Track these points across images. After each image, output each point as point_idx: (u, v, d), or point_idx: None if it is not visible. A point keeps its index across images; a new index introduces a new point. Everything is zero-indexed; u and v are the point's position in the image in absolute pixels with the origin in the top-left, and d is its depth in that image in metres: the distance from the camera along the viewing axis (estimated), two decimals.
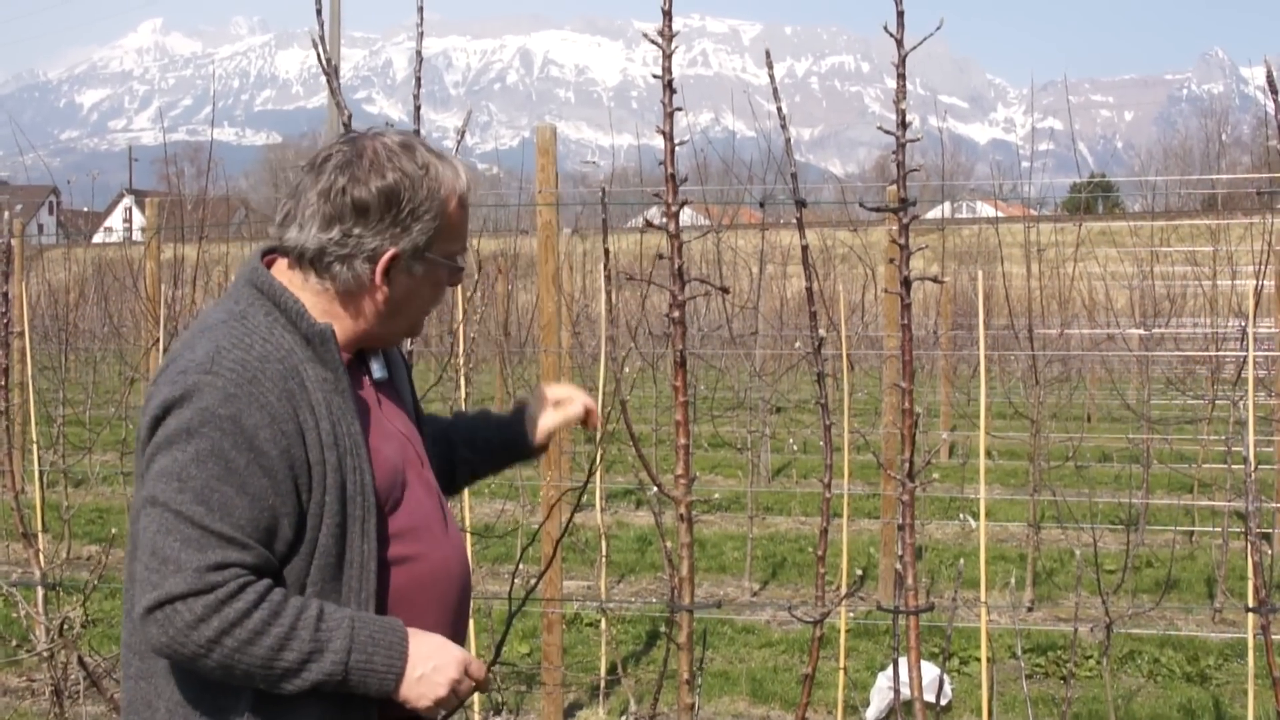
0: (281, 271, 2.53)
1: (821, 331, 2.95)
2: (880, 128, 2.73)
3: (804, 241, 3.02)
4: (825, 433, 2.99)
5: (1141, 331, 12.66)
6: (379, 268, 2.47)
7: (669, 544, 3.28)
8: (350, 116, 3.26)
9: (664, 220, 3.05)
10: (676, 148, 3.03)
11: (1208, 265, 12.40)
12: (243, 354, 2.36)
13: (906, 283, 2.85)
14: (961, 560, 5.78)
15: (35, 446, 7.40)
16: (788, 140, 2.96)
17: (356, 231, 2.45)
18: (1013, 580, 9.70)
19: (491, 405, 16.87)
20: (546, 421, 3.03)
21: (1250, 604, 5.16)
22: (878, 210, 2.90)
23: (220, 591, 2.25)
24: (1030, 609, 9.34)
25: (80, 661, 3.38)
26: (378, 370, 2.66)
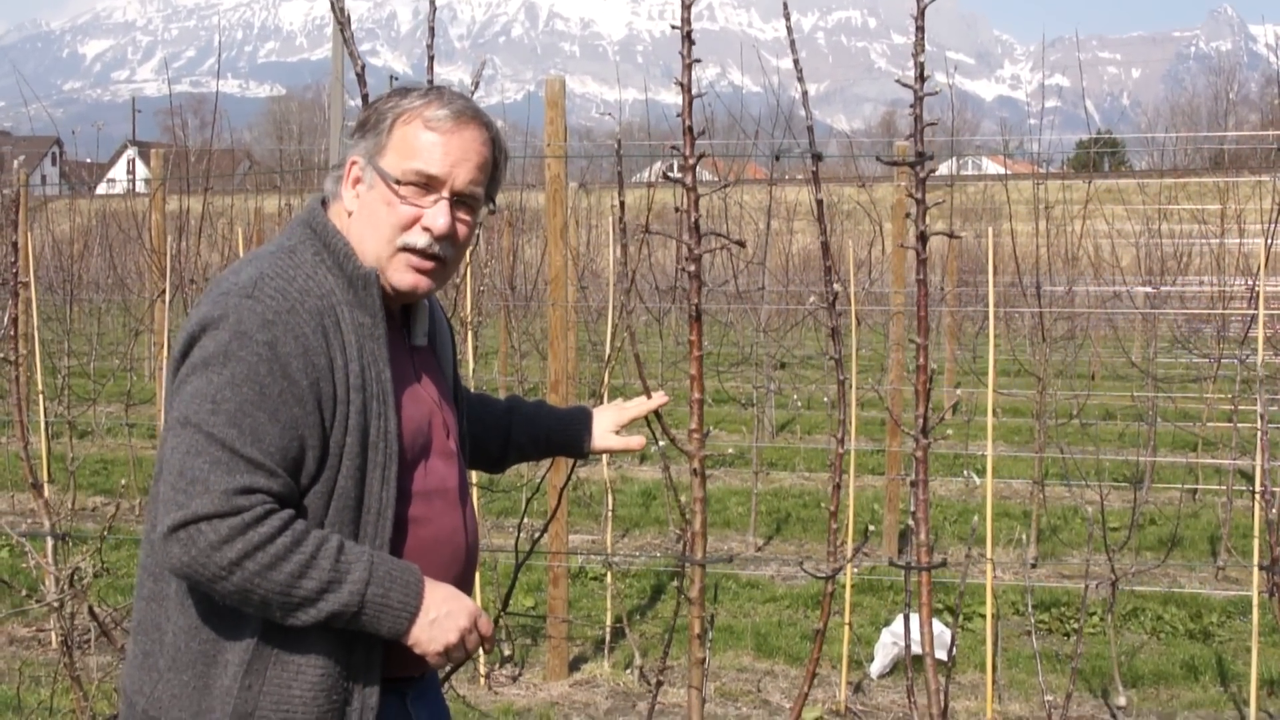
0: (334, 215, 2.58)
1: (836, 286, 2.94)
2: (900, 80, 2.70)
3: (819, 195, 3.00)
4: (840, 388, 2.98)
5: (1148, 289, 12.62)
6: (346, 172, 2.55)
7: (683, 498, 3.27)
8: (364, 67, 3.23)
9: (680, 173, 3.03)
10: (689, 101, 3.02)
11: (1215, 223, 12.35)
12: (284, 284, 2.39)
13: (923, 238, 2.83)
14: (976, 518, 5.78)
15: (40, 397, 7.40)
16: (804, 93, 2.93)
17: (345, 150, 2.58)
18: (1019, 537, 9.73)
19: (495, 359, 16.87)
20: (604, 441, 3.07)
21: (1259, 562, 5.17)
22: (893, 164, 2.87)
23: (246, 515, 2.25)
24: (1034, 566, 9.36)
25: (90, 612, 3.37)
26: (419, 337, 2.68)
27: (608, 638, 7.25)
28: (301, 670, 2.38)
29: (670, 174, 2.99)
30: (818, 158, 2.94)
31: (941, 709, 2.94)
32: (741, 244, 3.02)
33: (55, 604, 3.33)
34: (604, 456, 8.40)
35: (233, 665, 2.37)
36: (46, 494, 7.04)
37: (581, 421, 3.06)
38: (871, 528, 5.49)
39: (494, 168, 2.60)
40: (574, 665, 7.16)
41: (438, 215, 2.49)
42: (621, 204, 3.04)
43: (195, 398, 2.30)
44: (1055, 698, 6.58)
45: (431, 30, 3.26)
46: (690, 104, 2.99)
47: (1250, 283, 9.87)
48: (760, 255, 11.47)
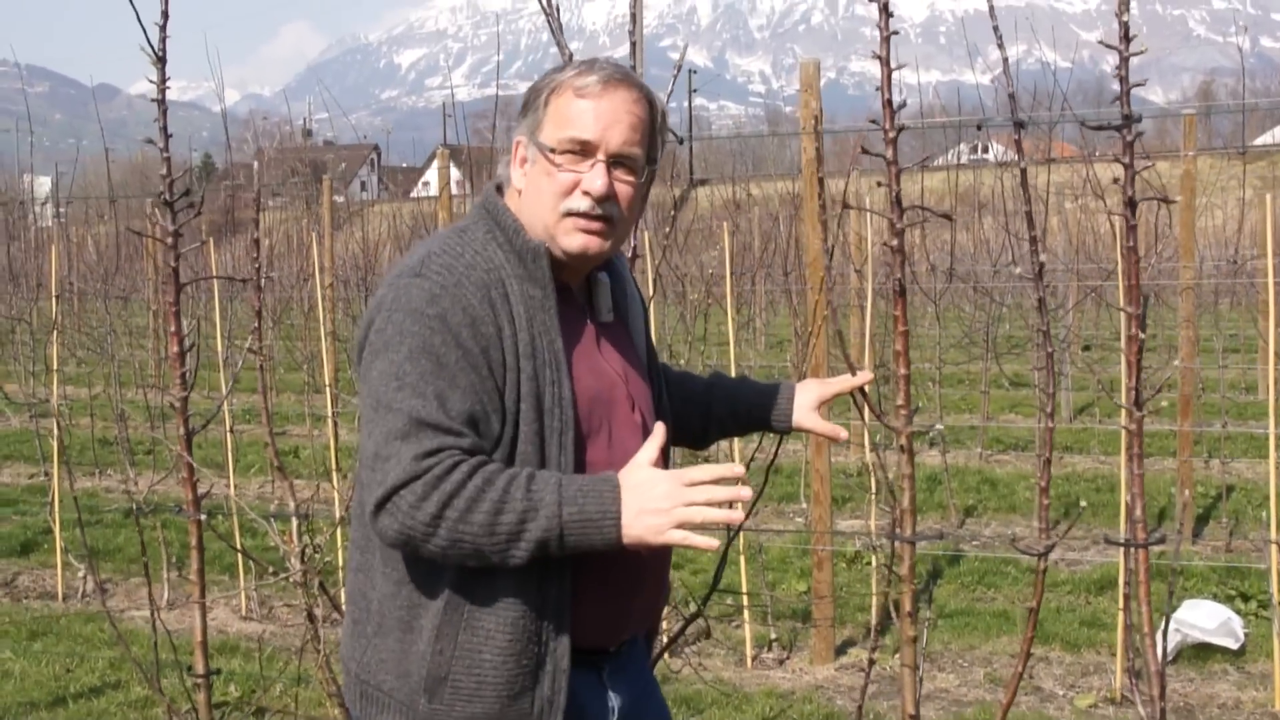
0: (508, 198, 2.65)
1: (1042, 257, 2.85)
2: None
3: (1022, 164, 2.92)
4: (1048, 360, 2.89)
5: None
6: (514, 154, 2.63)
7: (890, 475, 3.23)
8: (571, 55, 3.31)
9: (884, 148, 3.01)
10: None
11: None
12: (451, 260, 2.47)
13: (1132, 203, 2.73)
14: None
15: (328, 390, 7.78)
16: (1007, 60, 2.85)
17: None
18: None
19: (790, 343, 16.92)
20: (805, 418, 3.03)
21: None
22: (1099, 128, 2.77)
23: (436, 469, 2.32)
24: None
25: (320, 586, 3.56)
26: (604, 313, 2.72)
27: (874, 622, 7.18)
28: (491, 635, 2.44)
29: (866, 148, 2.96)
30: (1020, 125, 2.86)
31: (1160, 690, 2.83)
32: (949, 217, 2.97)
33: (300, 580, 3.53)
34: (865, 440, 8.35)
35: (426, 630, 2.46)
36: (334, 482, 7.43)
37: (782, 396, 3.03)
38: (1083, 503, 5.27)
39: (650, 127, 2.61)
40: (841, 650, 7.13)
41: (595, 178, 2.52)
42: (821, 180, 3.01)
43: (381, 379, 2.40)
44: None
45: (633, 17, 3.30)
46: (889, 77, 2.96)
47: None
48: (1046, 235, 11.16)
